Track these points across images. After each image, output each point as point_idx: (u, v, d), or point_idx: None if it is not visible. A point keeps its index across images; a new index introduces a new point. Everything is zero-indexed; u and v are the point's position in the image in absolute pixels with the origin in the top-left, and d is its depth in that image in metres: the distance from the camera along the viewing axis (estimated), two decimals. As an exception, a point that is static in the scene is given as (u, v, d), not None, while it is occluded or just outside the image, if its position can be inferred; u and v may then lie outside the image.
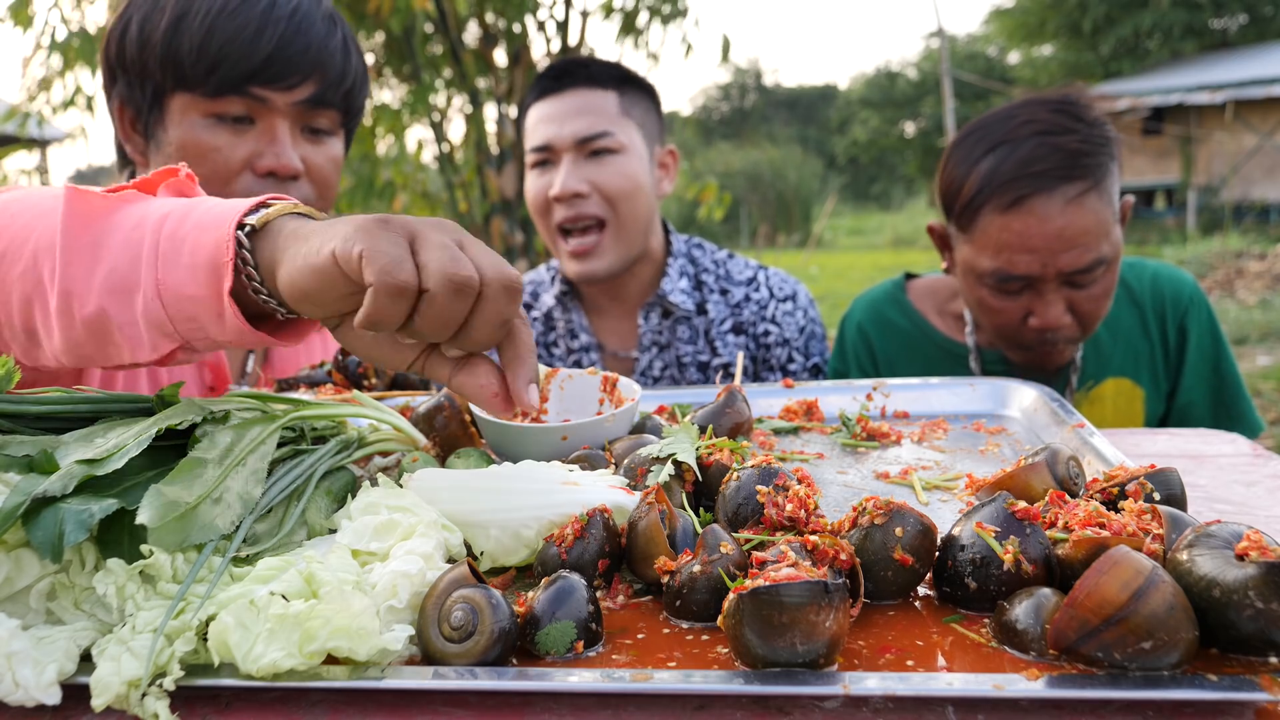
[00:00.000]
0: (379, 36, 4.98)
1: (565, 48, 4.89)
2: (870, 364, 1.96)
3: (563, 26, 4.87)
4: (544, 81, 1.98)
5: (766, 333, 2.03)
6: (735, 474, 0.85)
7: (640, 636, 0.72)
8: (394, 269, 0.73)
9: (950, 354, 1.89)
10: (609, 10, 4.65)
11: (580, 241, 1.93)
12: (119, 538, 0.72)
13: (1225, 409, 1.84)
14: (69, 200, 0.88)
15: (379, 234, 0.75)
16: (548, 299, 2.10)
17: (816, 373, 2.05)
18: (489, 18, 4.83)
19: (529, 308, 2.14)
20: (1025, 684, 0.60)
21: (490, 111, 5.00)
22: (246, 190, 1.47)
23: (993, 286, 1.68)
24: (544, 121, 1.95)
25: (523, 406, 0.82)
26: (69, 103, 4.71)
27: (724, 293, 2.06)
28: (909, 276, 2.04)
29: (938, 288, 1.98)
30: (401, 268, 0.74)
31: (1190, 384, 1.84)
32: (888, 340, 1.95)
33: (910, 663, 0.66)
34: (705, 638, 0.71)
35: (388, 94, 5.15)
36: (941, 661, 0.66)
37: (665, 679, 0.63)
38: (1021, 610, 0.67)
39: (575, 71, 1.96)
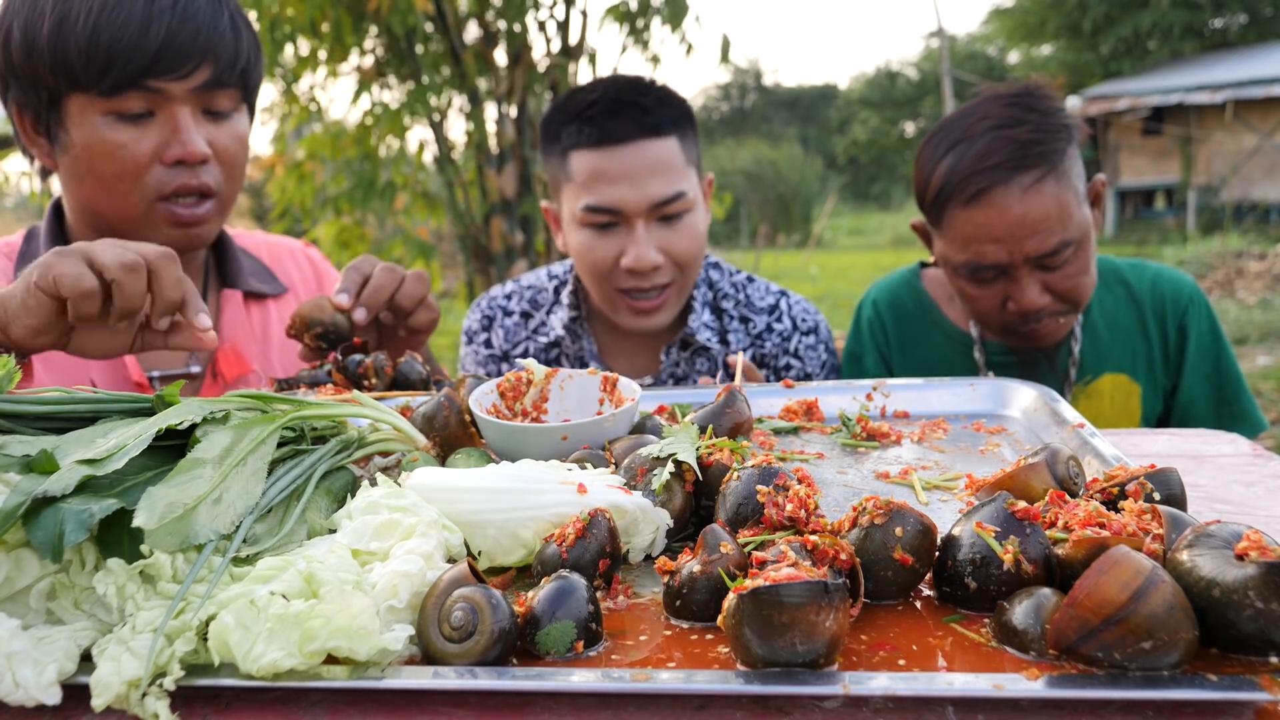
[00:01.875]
0: (381, 40, 4.97)
1: (565, 48, 4.88)
2: (885, 343, 2.00)
3: (563, 26, 4.87)
4: (598, 127, 1.75)
5: (788, 367, 1.94)
6: (735, 474, 0.85)
7: (641, 637, 0.72)
8: (76, 281, 1.07)
9: (957, 342, 1.94)
10: (620, 17, 4.63)
11: (648, 300, 1.81)
12: (119, 538, 0.72)
13: (1228, 407, 1.85)
14: None
15: (56, 261, 1.08)
16: (555, 322, 1.97)
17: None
18: (489, 17, 4.82)
19: (528, 316, 2.02)
20: (1025, 684, 0.60)
21: (490, 111, 5.00)
22: (158, 182, 1.47)
23: (968, 277, 1.74)
24: (608, 180, 1.74)
25: (199, 328, 1.16)
26: None
27: (744, 320, 1.96)
28: (924, 265, 2.08)
29: None
30: (82, 278, 1.07)
31: (1191, 382, 1.85)
32: (900, 323, 1.99)
33: (902, 662, 0.66)
34: (705, 638, 0.71)
35: (388, 94, 5.15)
36: (941, 661, 0.66)
37: (665, 679, 0.63)
38: (1021, 610, 0.67)
39: (634, 117, 1.74)
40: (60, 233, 1.60)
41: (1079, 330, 1.86)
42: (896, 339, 1.99)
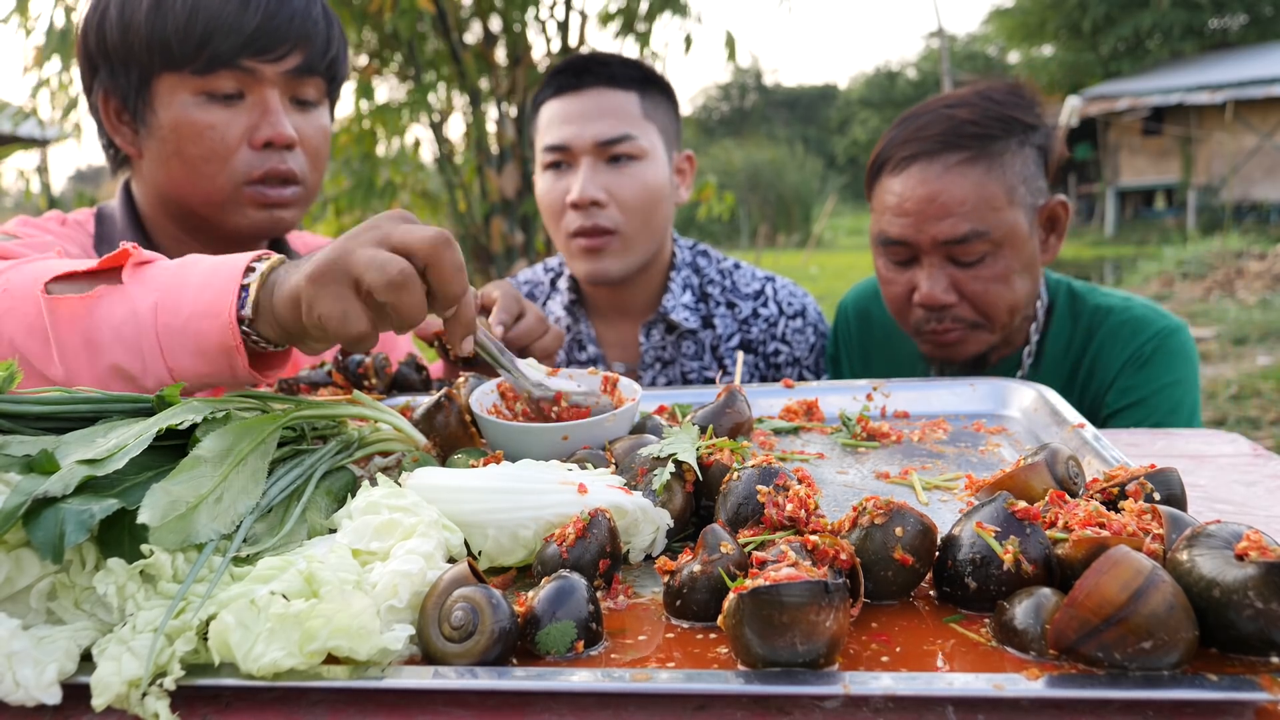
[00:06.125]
0: (375, 35, 4.97)
1: (565, 48, 4.88)
2: (857, 349, 1.98)
3: (563, 26, 4.87)
4: (561, 77, 1.87)
5: (776, 352, 1.96)
6: (735, 474, 0.85)
7: (641, 637, 0.72)
8: (346, 324, 0.90)
9: (915, 351, 1.86)
10: (606, 18, 4.64)
11: (591, 241, 1.84)
12: (119, 538, 0.72)
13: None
14: (50, 308, 1.00)
15: (316, 296, 0.90)
16: (554, 306, 2.02)
17: None
18: (489, 17, 4.82)
19: None
20: (1025, 684, 0.60)
21: (490, 111, 5.00)
22: (246, 165, 1.47)
23: (882, 256, 1.68)
24: (561, 121, 1.85)
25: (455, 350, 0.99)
26: (72, 105, 4.68)
27: (730, 306, 1.97)
28: None
29: None
30: (347, 320, 0.90)
31: (1121, 391, 1.67)
32: (866, 330, 1.98)
33: (886, 659, 0.66)
34: (707, 637, 0.71)
35: (388, 94, 5.15)
36: (941, 661, 0.66)
37: (665, 679, 0.63)
38: (1021, 610, 0.67)
39: (595, 69, 1.85)
40: (133, 216, 1.58)
41: (1030, 354, 1.74)
42: (860, 345, 1.97)
